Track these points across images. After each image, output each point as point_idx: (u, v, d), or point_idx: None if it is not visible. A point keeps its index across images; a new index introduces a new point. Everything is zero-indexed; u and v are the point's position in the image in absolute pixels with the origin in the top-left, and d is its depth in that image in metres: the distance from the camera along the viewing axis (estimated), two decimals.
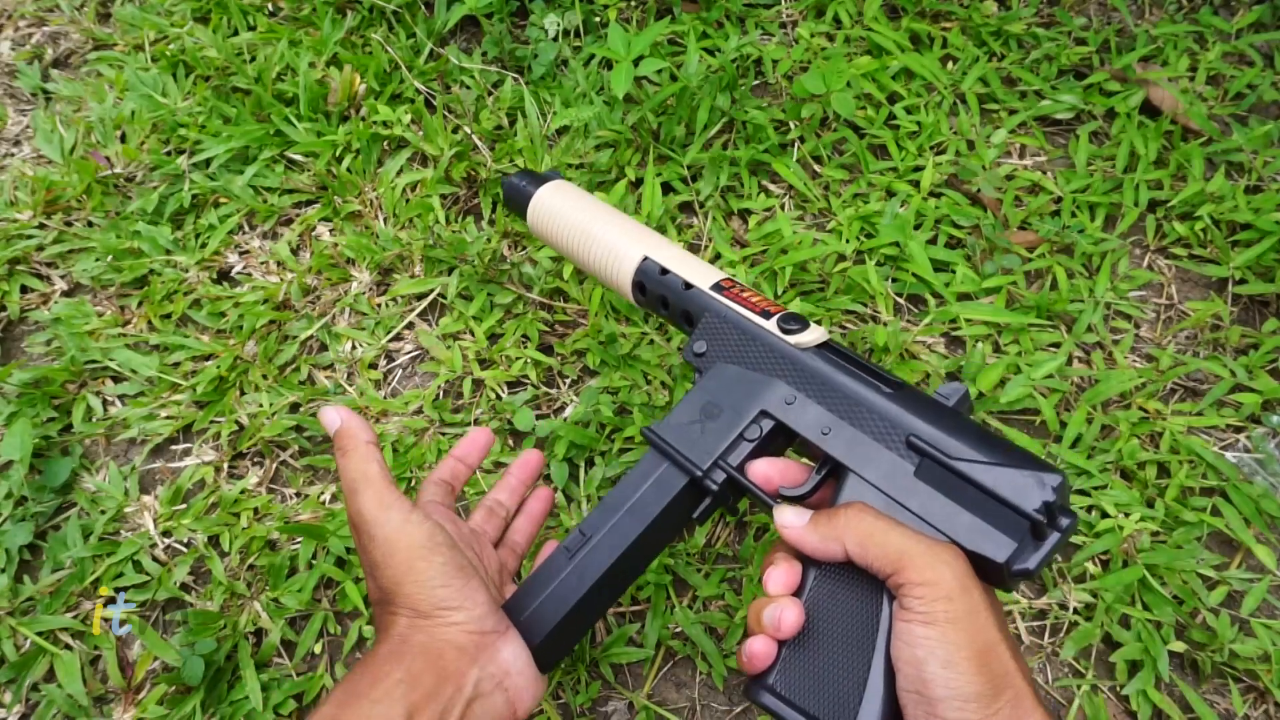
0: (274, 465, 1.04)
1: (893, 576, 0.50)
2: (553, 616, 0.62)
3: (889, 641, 0.50)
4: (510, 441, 1.03)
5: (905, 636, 0.48)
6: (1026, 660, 0.88)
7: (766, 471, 0.62)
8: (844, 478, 0.58)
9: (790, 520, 0.56)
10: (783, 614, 0.53)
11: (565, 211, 0.83)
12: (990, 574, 0.52)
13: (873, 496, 0.56)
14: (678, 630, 0.91)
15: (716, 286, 0.71)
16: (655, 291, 0.75)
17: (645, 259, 0.76)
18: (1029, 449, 0.62)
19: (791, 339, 0.65)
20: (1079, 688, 0.86)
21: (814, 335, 0.65)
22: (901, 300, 1.07)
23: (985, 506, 0.52)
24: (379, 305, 1.12)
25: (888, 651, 0.50)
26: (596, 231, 0.80)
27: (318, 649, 0.94)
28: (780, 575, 0.55)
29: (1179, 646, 0.86)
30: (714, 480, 0.62)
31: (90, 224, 1.22)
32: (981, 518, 0.52)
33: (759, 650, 0.53)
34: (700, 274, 0.73)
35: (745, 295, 0.70)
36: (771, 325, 0.67)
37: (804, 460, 0.65)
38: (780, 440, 0.66)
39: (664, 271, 0.74)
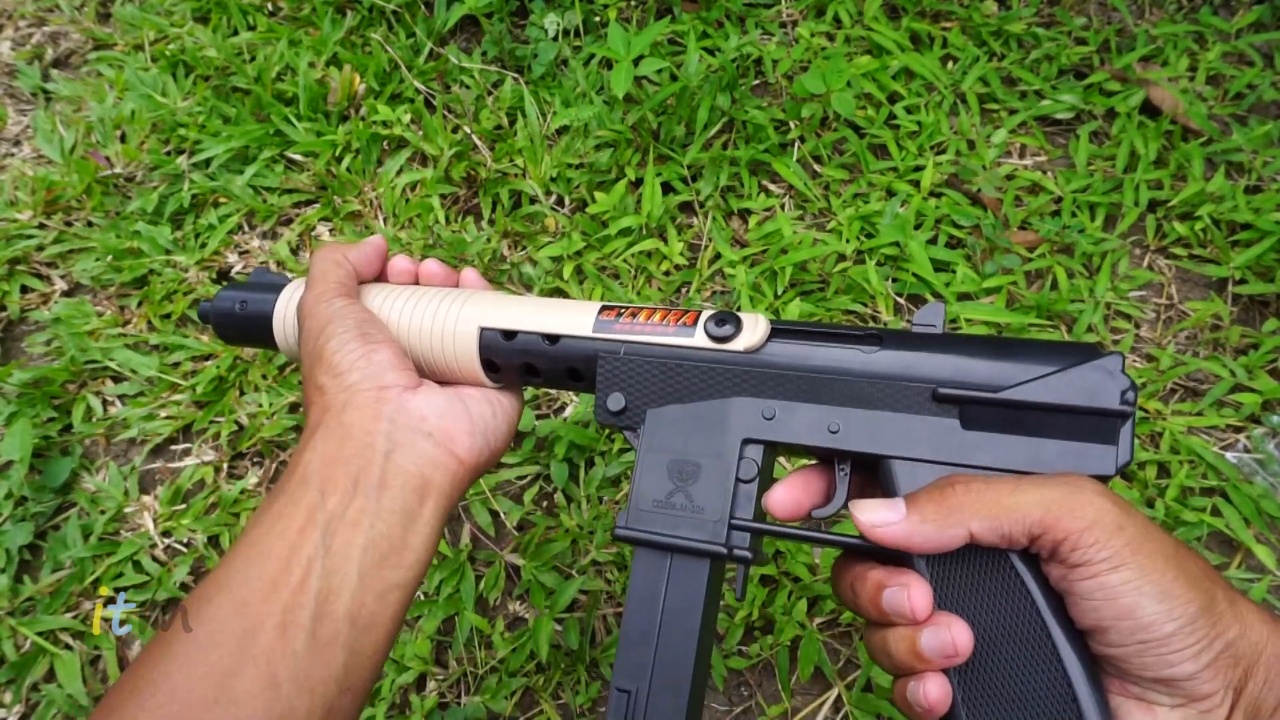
0: (274, 465, 1.04)
1: (1043, 537, 0.42)
2: None
3: (1055, 612, 0.43)
4: (510, 442, 1.03)
5: (1099, 592, 0.41)
6: None
7: (786, 498, 0.51)
8: (885, 468, 0.48)
9: (884, 517, 0.44)
10: (953, 634, 0.43)
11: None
12: None
13: (929, 474, 0.47)
14: None
15: (599, 323, 0.56)
16: (513, 364, 0.59)
17: (483, 329, 0.58)
18: (1050, 339, 0.54)
19: (732, 345, 0.52)
20: None
21: (757, 329, 0.53)
22: (901, 300, 1.07)
23: (1062, 423, 0.45)
24: None
25: (1061, 623, 0.43)
26: (402, 320, 0.60)
27: None
28: (920, 591, 0.44)
29: None
30: (741, 547, 0.51)
31: (90, 224, 1.22)
32: (1065, 437, 0.45)
33: (938, 693, 0.43)
34: (564, 317, 0.57)
35: (643, 318, 0.56)
36: (699, 339, 0.53)
37: (809, 462, 0.56)
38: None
39: (510, 335, 0.58)
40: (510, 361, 0.59)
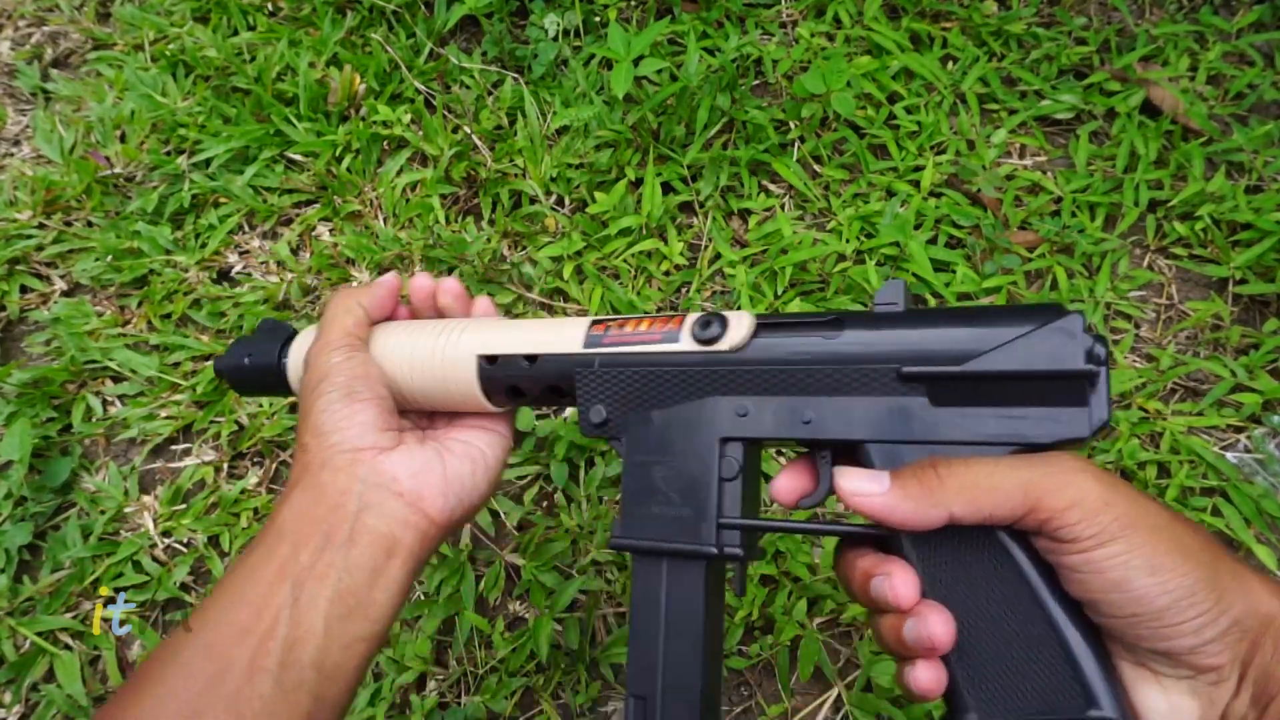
0: (274, 465, 1.04)
1: (1028, 516, 0.41)
2: None
3: (1048, 583, 0.43)
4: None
5: (1089, 567, 0.40)
6: None
7: (786, 486, 0.52)
8: (863, 454, 0.48)
9: (866, 487, 0.44)
10: (929, 628, 0.43)
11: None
12: (1071, 447, 0.44)
13: (908, 454, 0.46)
14: None
15: (590, 338, 0.56)
16: (499, 387, 0.59)
17: (479, 356, 0.59)
18: (1008, 303, 0.52)
19: (718, 346, 0.52)
20: None
21: (741, 324, 0.52)
22: None
23: (1029, 390, 0.44)
24: None
25: (1055, 594, 0.43)
26: (408, 358, 0.61)
27: None
28: (903, 580, 0.44)
29: None
30: (733, 544, 0.51)
31: (90, 224, 1.22)
32: (1036, 404, 0.44)
33: (928, 679, 0.43)
34: (549, 335, 0.58)
35: (630, 326, 0.56)
36: (684, 344, 0.53)
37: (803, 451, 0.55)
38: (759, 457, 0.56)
39: (492, 360, 0.59)
40: (496, 386, 0.59)
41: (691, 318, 0.54)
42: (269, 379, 0.65)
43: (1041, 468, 0.42)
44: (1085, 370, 0.42)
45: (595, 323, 0.57)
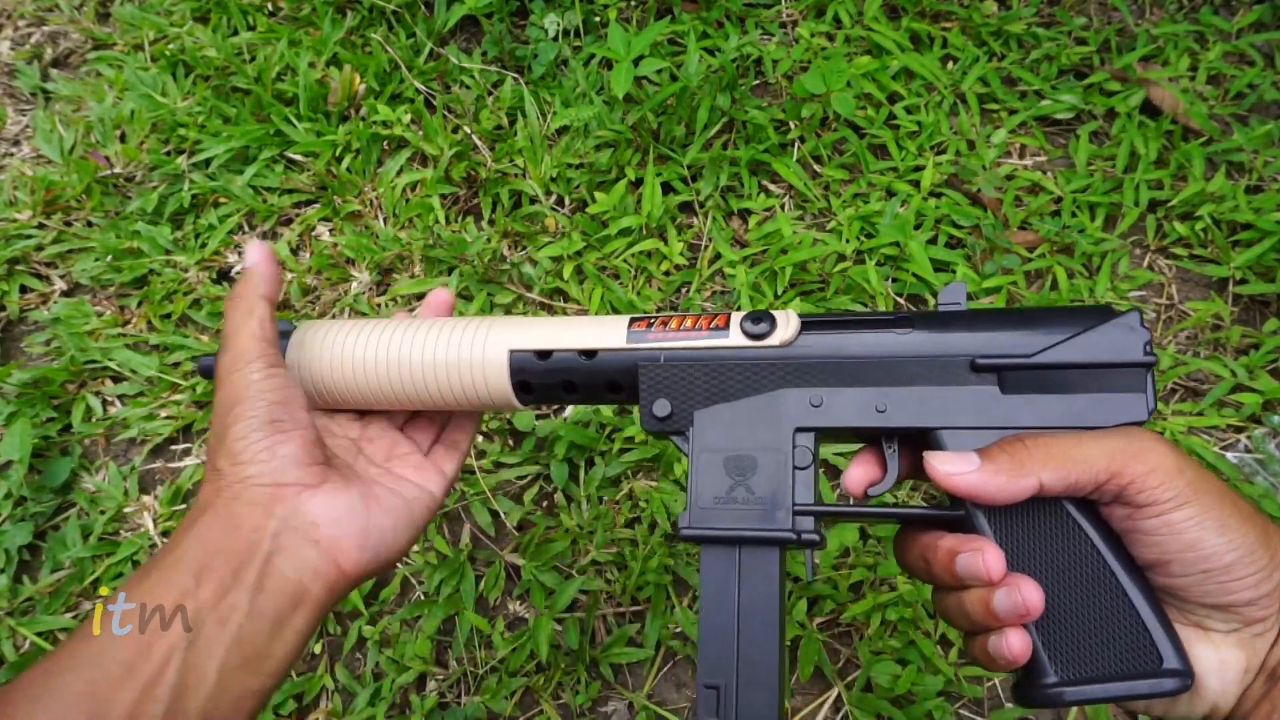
0: None
1: (1110, 483, 0.45)
2: None
3: (1114, 550, 0.47)
4: (510, 442, 1.03)
5: (1164, 528, 0.45)
6: None
7: (859, 476, 0.55)
8: (934, 440, 0.51)
9: (960, 467, 0.47)
10: (1023, 595, 0.45)
11: (351, 352, 0.61)
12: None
13: (979, 439, 0.50)
14: (678, 630, 0.91)
15: (632, 334, 0.57)
16: (548, 382, 0.59)
17: (513, 352, 0.59)
18: (1064, 304, 0.56)
19: (769, 341, 0.55)
20: None
21: (789, 323, 0.55)
22: (902, 300, 1.07)
23: (1092, 379, 0.49)
24: (379, 305, 1.12)
25: (1121, 560, 0.47)
26: (421, 355, 0.60)
27: (317, 649, 0.94)
28: (994, 553, 0.47)
29: None
30: (808, 531, 0.52)
31: (90, 224, 1.22)
32: (1096, 391, 0.49)
33: (1021, 644, 0.46)
34: (595, 331, 0.59)
35: (674, 325, 0.57)
36: (736, 339, 0.55)
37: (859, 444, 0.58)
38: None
39: (544, 355, 0.59)
40: (547, 380, 0.59)
41: (737, 315, 0.56)
42: None
43: (1123, 439, 0.46)
44: (1145, 360, 0.49)
45: (634, 320, 0.58)
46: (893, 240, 1.07)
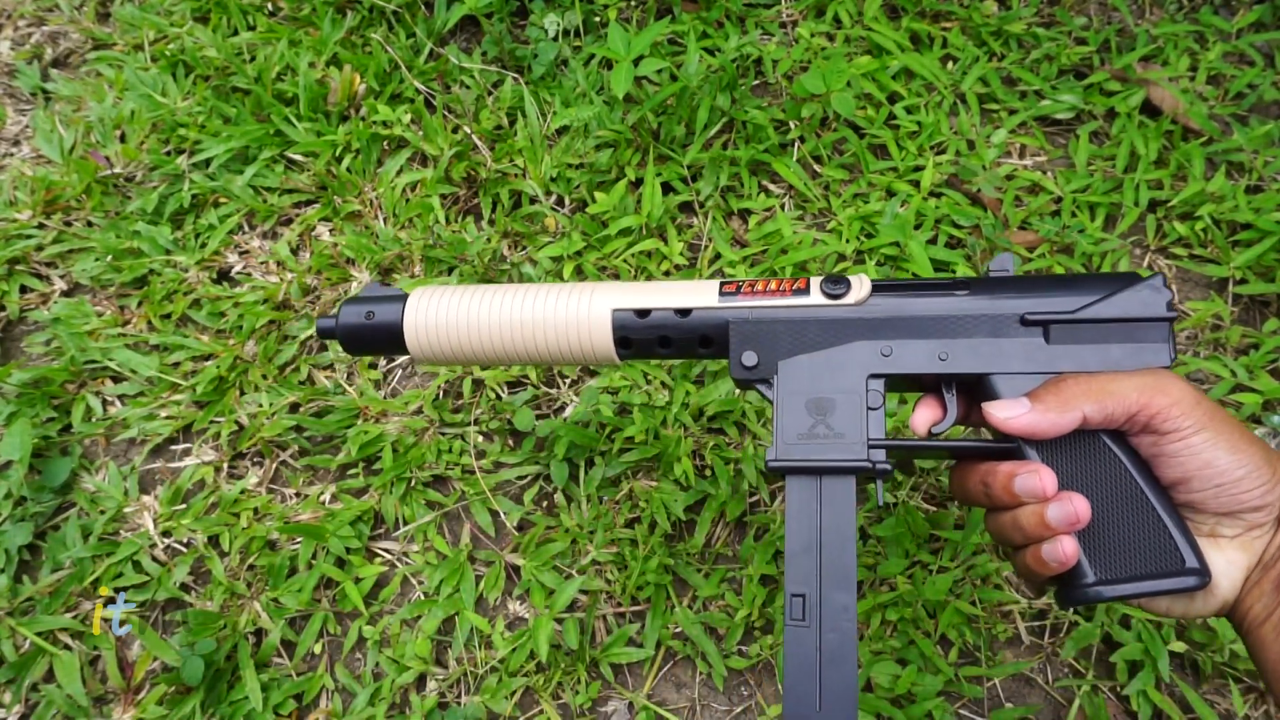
0: (274, 465, 1.04)
1: (1140, 413, 0.54)
2: (846, 687, 0.58)
3: (1142, 472, 0.56)
4: (510, 441, 1.03)
5: (1186, 451, 0.54)
6: (1026, 660, 0.88)
7: (924, 416, 0.63)
8: (987, 383, 0.60)
9: (1015, 411, 0.57)
10: (1075, 505, 0.54)
11: (467, 313, 0.69)
12: None
13: (1026, 382, 0.59)
14: (678, 630, 0.91)
15: (723, 294, 0.66)
16: (647, 337, 0.67)
17: (615, 311, 0.67)
18: (1092, 271, 0.61)
19: (845, 301, 0.63)
20: (1079, 688, 0.86)
21: (863, 286, 0.64)
22: None
23: (1122, 332, 0.59)
24: None
25: (1148, 480, 0.56)
26: (532, 315, 0.68)
27: (318, 649, 0.94)
28: (1049, 474, 0.56)
29: (1179, 646, 0.86)
30: (878, 461, 0.61)
31: (90, 224, 1.22)
32: (1126, 341, 0.59)
33: (1072, 546, 0.54)
34: (688, 293, 0.67)
35: (760, 287, 0.66)
36: (816, 299, 0.64)
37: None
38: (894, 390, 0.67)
39: (643, 313, 0.67)
40: (646, 335, 0.67)
41: (816, 279, 0.65)
42: (388, 337, 0.70)
43: (1150, 376, 0.56)
44: (1168, 316, 0.58)
45: (724, 283, 0.67)
46: (893, 240, 1.07)
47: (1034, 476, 0.55)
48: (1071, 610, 0.89)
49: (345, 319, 0.71)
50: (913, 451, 0.64)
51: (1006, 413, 0.57)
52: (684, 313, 0.66)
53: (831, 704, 0.58)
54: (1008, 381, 0.60)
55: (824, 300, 0.64)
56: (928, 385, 0.64)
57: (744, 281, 0.67)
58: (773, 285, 0.66)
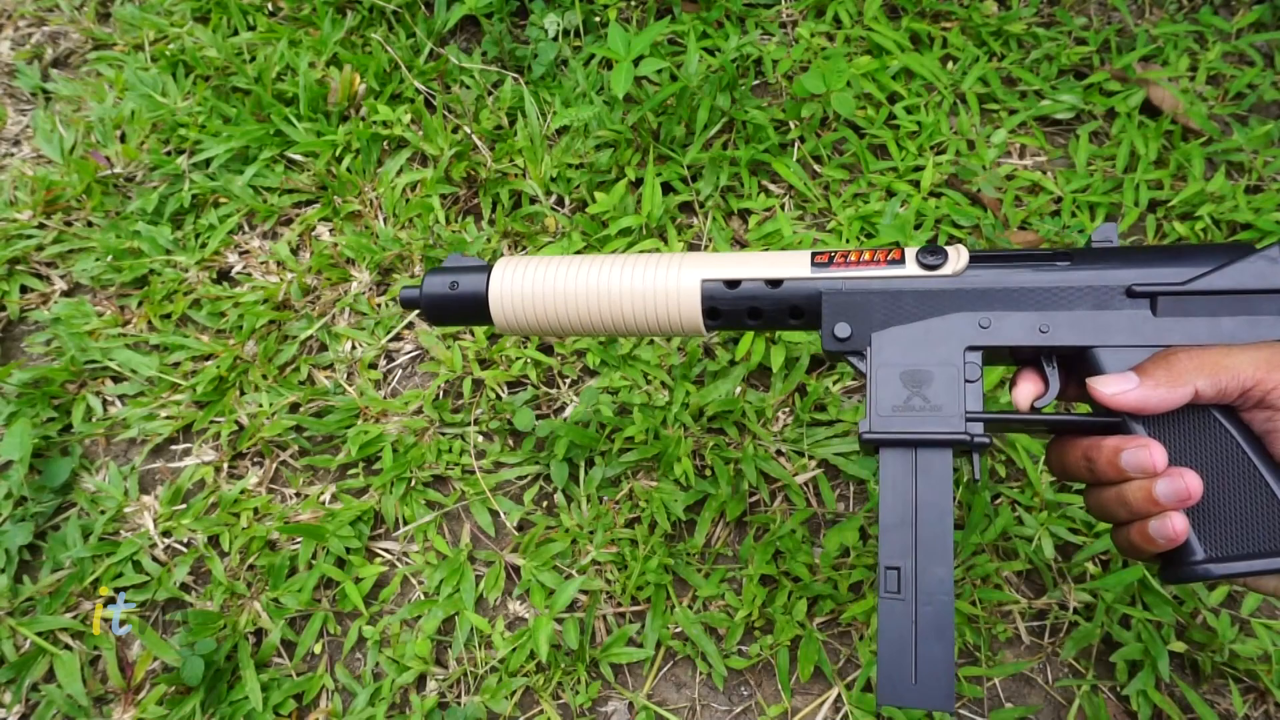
0: (274, 465, 1.04)
1: (1254, 389, 0.53)
2: (943, 660, 0.58)
3: (1254, 448, 0.55)
4: (510, 441, 1.03)
5: None
6: (1026, 660, 0.88)
7: (1026, 390, 0.61)
8: (1090, 357, 0.59)
9: (1122, 387, 0.55)
10: (1186, 481, 0.53)
11: (553, 283, 0.68)
12: None
13: (1132, 356, 0.58)
14: (678, 630, 0.91)
15: (816, 265, 0.65)
16: (736, 308, 0.66)
17: (705, 281, 0.66)
18: (1206, 242, 0.60)
19: (942, 271, 0.62)
20: (1079, 688, 0.86)
21: (960, 257, 0.62)
22: None
23: (1235, 304, 0.57)
24: (379, 305, 1.12)
25: (1261, 455, 0.55)
26: (619, 285, 0.67)
27: (318, 649, 0.94)
28: (1159, 449, 0.54)
29: (1179, 646, 0.86)
30: (976, 434, 0.59)
31: (90, 224, 1.22)
32: (1238, 314, 0.57)
33: (1182, 523, 0.53)
34: (780, 264, 0.66)
35: (854, 258, 0.64)
36: (912, 270, 0.62)
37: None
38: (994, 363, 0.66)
39: (733, 284, 0.66)
40: (735, 307, 0.66)
41: (911, 249, 0.64)
42: (474, 307, 0.70)
43: (1266, 349, 0.54)
44: None
45: (816, 254, 0.65)
46: (893, 240, 1.07)
47: (1144, 451, 0.54)
48: (1072, 609, 0.89)
49: (429, 289, 0.70)
50: (1011, 425, 0.62)
51: (1114, 388, 0.55)
52: (775, 283, 0.65)
53: (928, 677, 0.57)
54: (1113, 355, 0.58)
55: (920, 271, 0.62)
56: (1026, 359, 0.63)
57: (837, 252, 0.65)
58: (866, 255, 0.64)
